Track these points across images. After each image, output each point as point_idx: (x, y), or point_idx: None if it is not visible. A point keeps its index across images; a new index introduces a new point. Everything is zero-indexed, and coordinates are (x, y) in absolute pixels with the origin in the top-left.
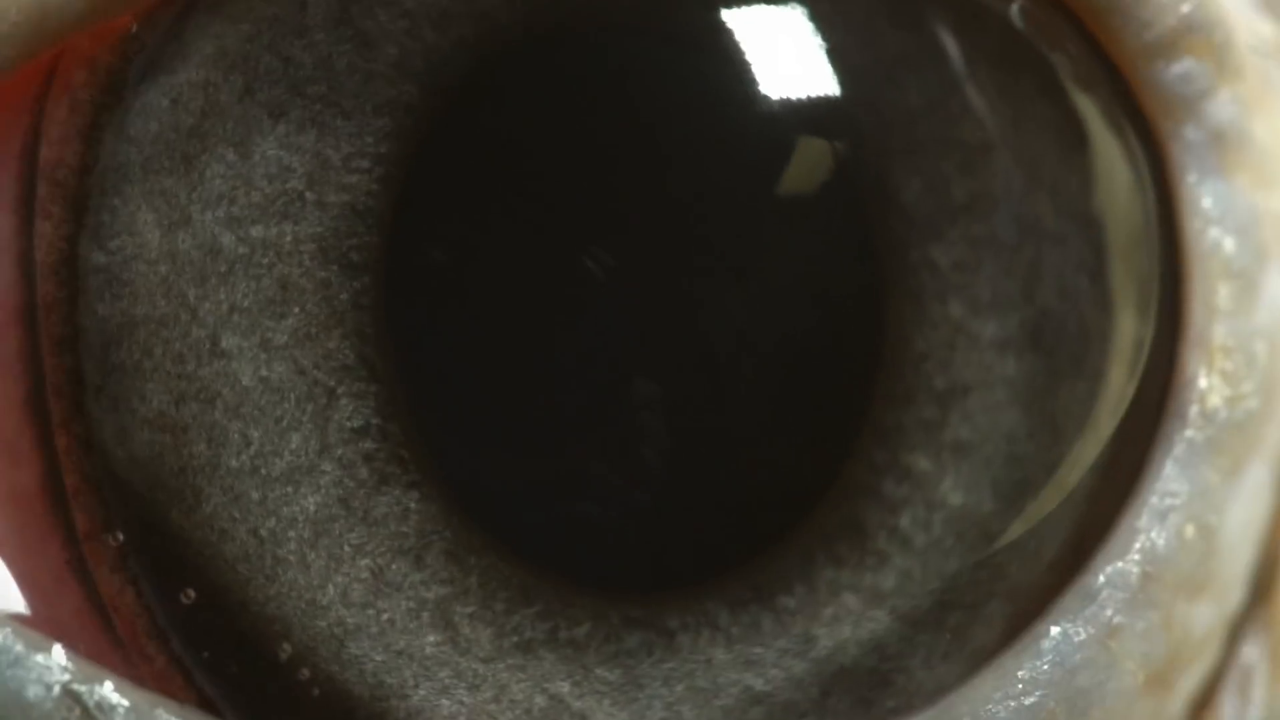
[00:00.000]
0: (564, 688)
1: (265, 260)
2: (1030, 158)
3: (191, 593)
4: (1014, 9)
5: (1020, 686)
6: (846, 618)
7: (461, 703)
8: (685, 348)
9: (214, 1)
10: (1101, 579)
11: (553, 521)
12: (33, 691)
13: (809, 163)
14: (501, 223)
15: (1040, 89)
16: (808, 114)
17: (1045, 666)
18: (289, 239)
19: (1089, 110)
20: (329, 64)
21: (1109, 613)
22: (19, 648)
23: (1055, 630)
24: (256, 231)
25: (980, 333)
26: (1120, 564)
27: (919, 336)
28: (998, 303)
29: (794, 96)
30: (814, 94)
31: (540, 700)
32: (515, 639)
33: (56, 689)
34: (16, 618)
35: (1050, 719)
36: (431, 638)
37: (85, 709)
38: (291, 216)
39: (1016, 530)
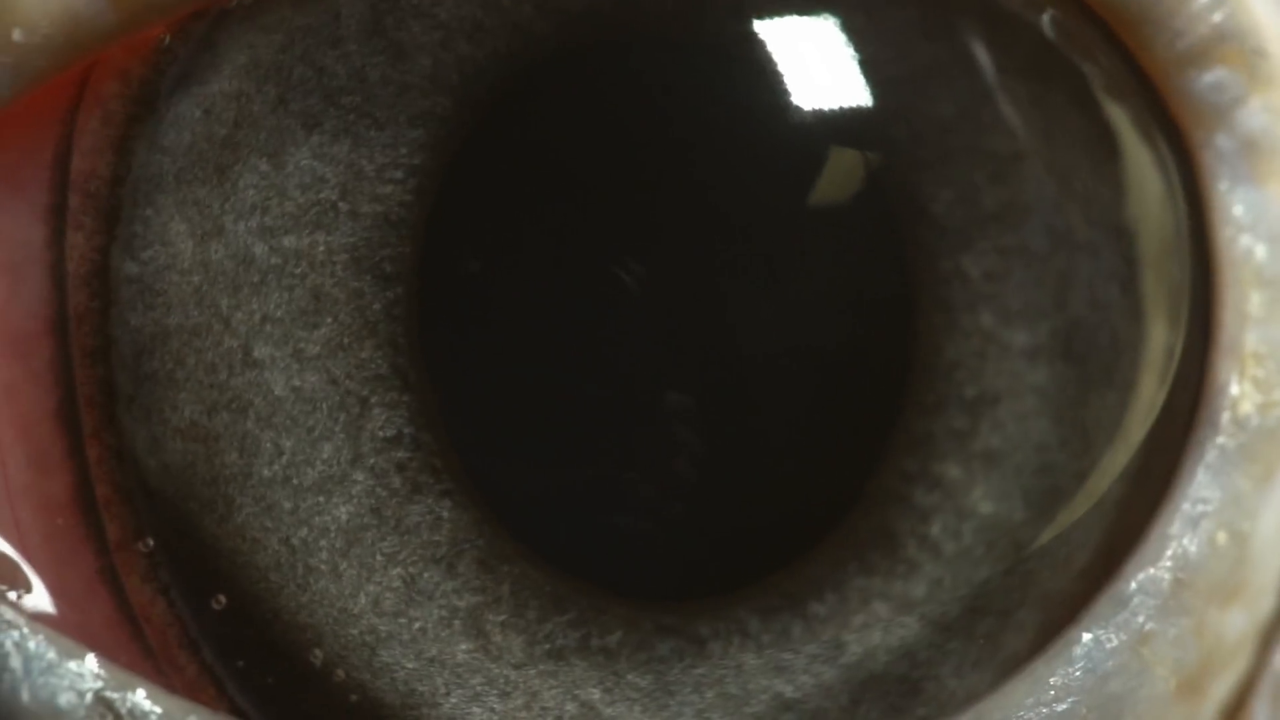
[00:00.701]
0: (595, 694)
1: (298, 271)
2: (1061, 168)
3: (223, 599)
4: (1045, 19)
5: (1052, 693)
6: (876, 624)
7: (493, 710)
8: (717, 357)
9: (246, 12)
10: (1133, 585)
11: (585, 530)
12: (65, 699)
13: (841, 173)
14: (535, 233)
15: (1072, 99)
16: (840, 125)
17: (1077, 673)
18: (322, 249)
19: (1120, 120)
20: (362, 75)
21: (1141, 619)
22: (51, 654)
23: (1087, 637)
24: (289, 242)
25: (1011, 342)
26: (1152, 570)
27: (949, 345)
28: (1028, 312)
29: (826, 107)
30: (847, 105)
31: (571, 707)
32: (547, 646)
33: (89, 696)
34: (46, 619)
35: None
36: (464, 645)
37: (118, 716)
38: (325, 226)
39: (1047, 538)
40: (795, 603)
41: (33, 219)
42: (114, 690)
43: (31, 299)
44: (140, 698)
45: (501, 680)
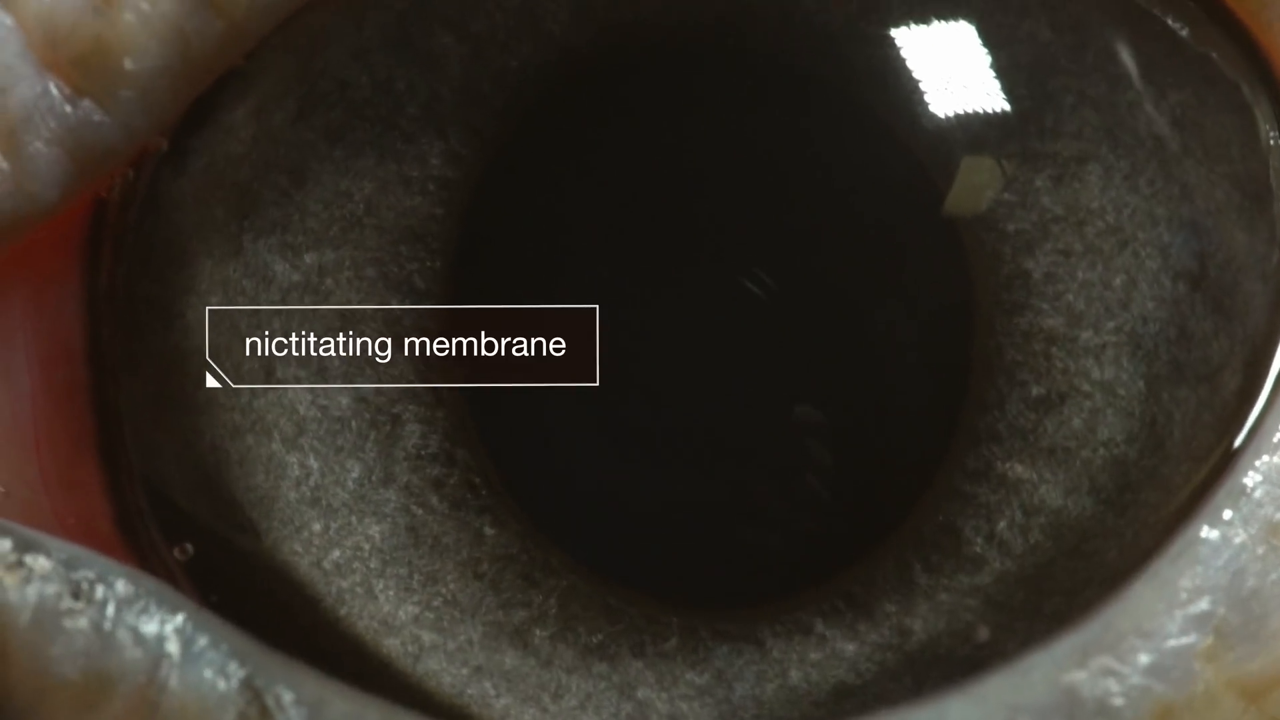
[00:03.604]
0: (652, 693)
1: (322, 287)
2: (1126, 169)
3: (261, 616)
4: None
5: (1184, 595)
6: (941, 613)
7: (545, 709)
8: (770, 360)
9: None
10: (1254, 478)
11: (634, 540)
12: (214, 685)
13: (900, 177)
14: (566, 247)
15: (1134, 96)
16: (896, 129)
17: (1208, 572)
18: (348, 265)
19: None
20: (388, 86)
21: (1268, 509)
22: (203, 640)
23: (1212, 534)
24: (311, 259)
25: (1075, 341)
26: (1272, 459)
27: (1010, 346)
28: (1092, 312)
29: (877, 112)
30: (902, 109)
31: (628, 706)
32: (599, 654)
33: (236, 682)
34: None
35: (1224, 626)
36: (511, 656)
37: (263, 704)
38: (350, 242)
39: (1114, 524)
40: (859, 602)
41: (65, 247)
42: (261, 677)
43: (62, 324)
44: (285, 685)
45: (554, 684)
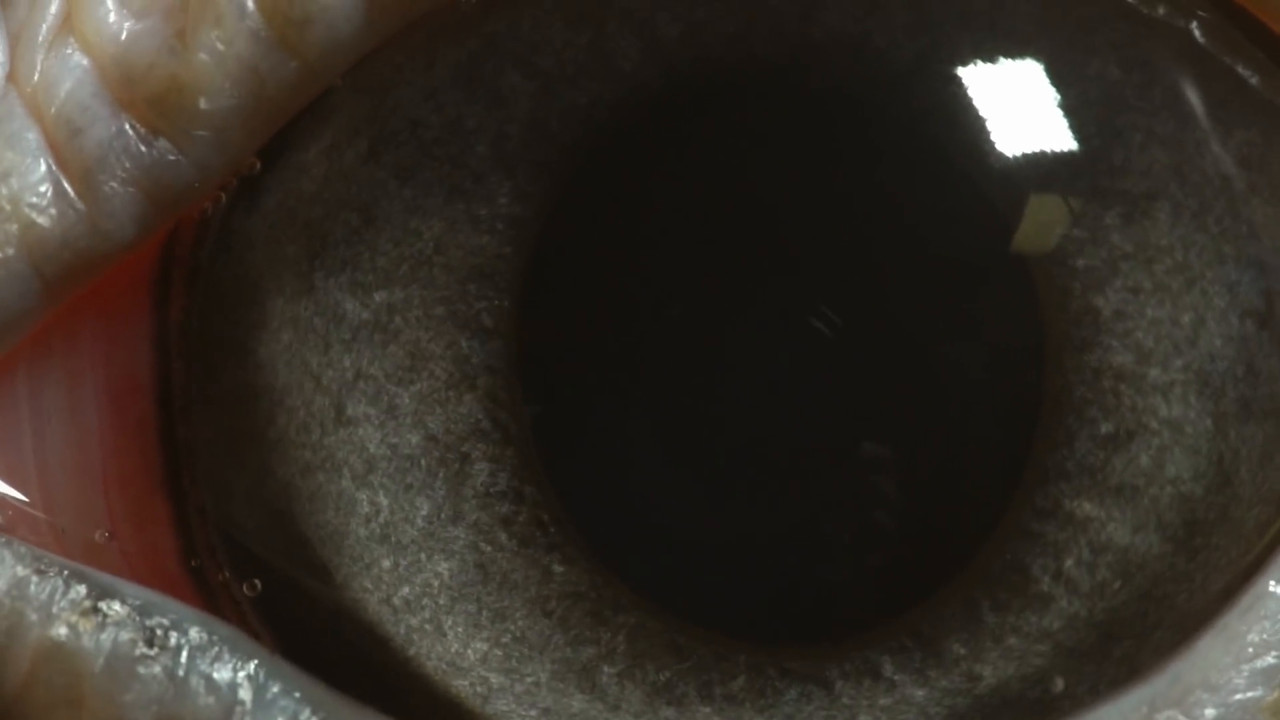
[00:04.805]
0: None
1: (391, 326)
2: (1194, 206)
3: (330, 653)
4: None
5: (1252, 650)
6: (1011, 656)
7: None
8: (836, 398)
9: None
10: None
11: (703, 577)
12: None
13: (970, 216)
14: (637, 284)
15: (1207, 129)
16: (962, 170)
17: (1276, 627)
18: (417, 304)
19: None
20: (458, 125)
21: None
22: (276, 687)
23: None
24: (381, 297)
25: (1144, 379)
26: None
27: (1080, 383)
28: (1161, 350)
29: (941, 154)
30: (963, 151)
31: None
32: (667, 696)
33: None
34: None
35: None
36: (579, 698)
37: None
38: (419, 280)
39: (1185, 567)
40: (927, 642)
41: (135, 284)
42: None
43: (131, 361)
44: None
45: None
